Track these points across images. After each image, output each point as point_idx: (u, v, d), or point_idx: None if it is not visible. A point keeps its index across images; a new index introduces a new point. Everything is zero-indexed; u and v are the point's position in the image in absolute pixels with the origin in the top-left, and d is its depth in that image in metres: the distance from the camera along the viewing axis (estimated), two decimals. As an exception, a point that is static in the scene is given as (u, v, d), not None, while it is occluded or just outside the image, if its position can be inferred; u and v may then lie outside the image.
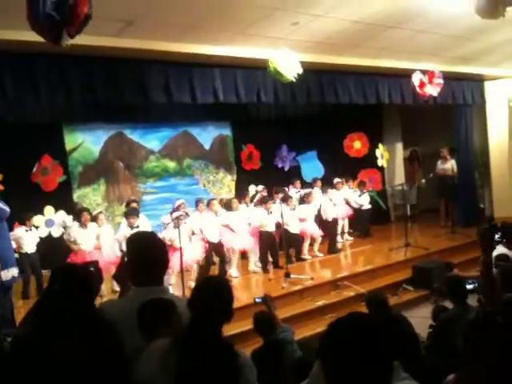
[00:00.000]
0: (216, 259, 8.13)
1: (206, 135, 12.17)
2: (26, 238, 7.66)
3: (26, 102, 7.88)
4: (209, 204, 8.15)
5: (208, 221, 7.94)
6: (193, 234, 7.80)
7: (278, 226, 8.43)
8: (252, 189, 10.73)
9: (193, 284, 6.74)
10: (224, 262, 8.05)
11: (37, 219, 8.76)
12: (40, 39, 3.75)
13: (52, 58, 5.53)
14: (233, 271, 8.08)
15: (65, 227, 8.49)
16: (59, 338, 1.57)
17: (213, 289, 2.20)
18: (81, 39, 3.94)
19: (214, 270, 8.05)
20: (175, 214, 7.58)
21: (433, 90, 8.03)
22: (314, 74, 7.60)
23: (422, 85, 7.89)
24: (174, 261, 6.78)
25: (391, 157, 12.19)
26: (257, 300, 4.54)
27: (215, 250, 7.93)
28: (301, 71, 6.31)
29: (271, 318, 4.19)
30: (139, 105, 8.75)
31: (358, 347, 1.49)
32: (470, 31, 7.09)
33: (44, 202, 9.46)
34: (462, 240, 9.33)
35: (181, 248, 6.75)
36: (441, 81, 8.07)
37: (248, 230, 8.36)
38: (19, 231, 7.63)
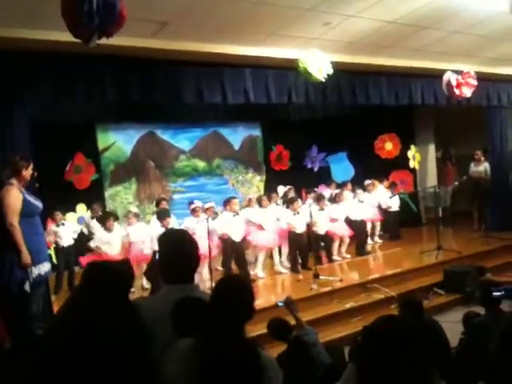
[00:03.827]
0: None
1: (236, 136, 12.24)
2: (61, 232, 7.98)
3: (62, 102, 8.03)
4: (229, 203, 8.00)
5: (230, 220, 7.82)
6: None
7: (307, 226, 8.40)
8: (281, 189, 10.72)
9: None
10: (244, 264, 7.87)
11: (69, 216, 8.93)
12: (72, 39, 3.77)
13: (87, 59, 5.59)
14: (258, 271, 8.01)
15: (88, 229, 8.56)
16: (98, 336, 1.61)
17: (232, 286, 2.19)
18: (116, 40, 3.99)
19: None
20: (192, 206, 7.67)
21: (467, 91, 7.89)
22: (345, 74, 7.55)
23: (459, 85, 7.76)
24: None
25: (423, 158, 12.01)
26: (279, 304, 4.51)
27: (236, 250, 7.76)
28: (331, 72, 6.28)
29: (284, 322, 4.16)
30: (171, 105, 8.83)
31: (393, 354, 1.47)
32: (505, 31, 6.92)
33: (77, 199, 9.65)
34: (496, 244, 9.15)
35: (210, 247, 6.80)
36: (475, 82, 7.93)
37: (276, 228, 8.28)
38: (53, 227, 7.94)
